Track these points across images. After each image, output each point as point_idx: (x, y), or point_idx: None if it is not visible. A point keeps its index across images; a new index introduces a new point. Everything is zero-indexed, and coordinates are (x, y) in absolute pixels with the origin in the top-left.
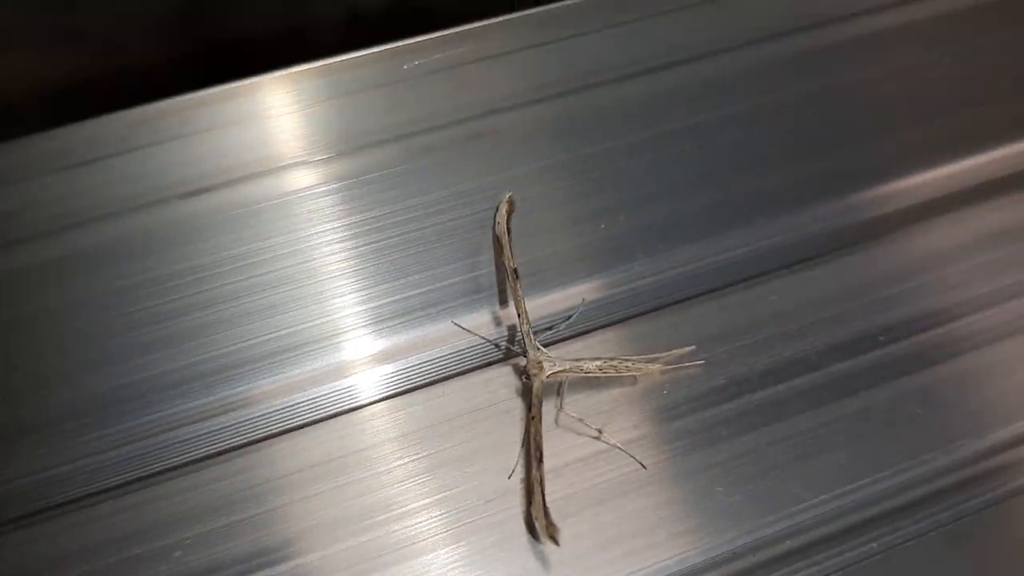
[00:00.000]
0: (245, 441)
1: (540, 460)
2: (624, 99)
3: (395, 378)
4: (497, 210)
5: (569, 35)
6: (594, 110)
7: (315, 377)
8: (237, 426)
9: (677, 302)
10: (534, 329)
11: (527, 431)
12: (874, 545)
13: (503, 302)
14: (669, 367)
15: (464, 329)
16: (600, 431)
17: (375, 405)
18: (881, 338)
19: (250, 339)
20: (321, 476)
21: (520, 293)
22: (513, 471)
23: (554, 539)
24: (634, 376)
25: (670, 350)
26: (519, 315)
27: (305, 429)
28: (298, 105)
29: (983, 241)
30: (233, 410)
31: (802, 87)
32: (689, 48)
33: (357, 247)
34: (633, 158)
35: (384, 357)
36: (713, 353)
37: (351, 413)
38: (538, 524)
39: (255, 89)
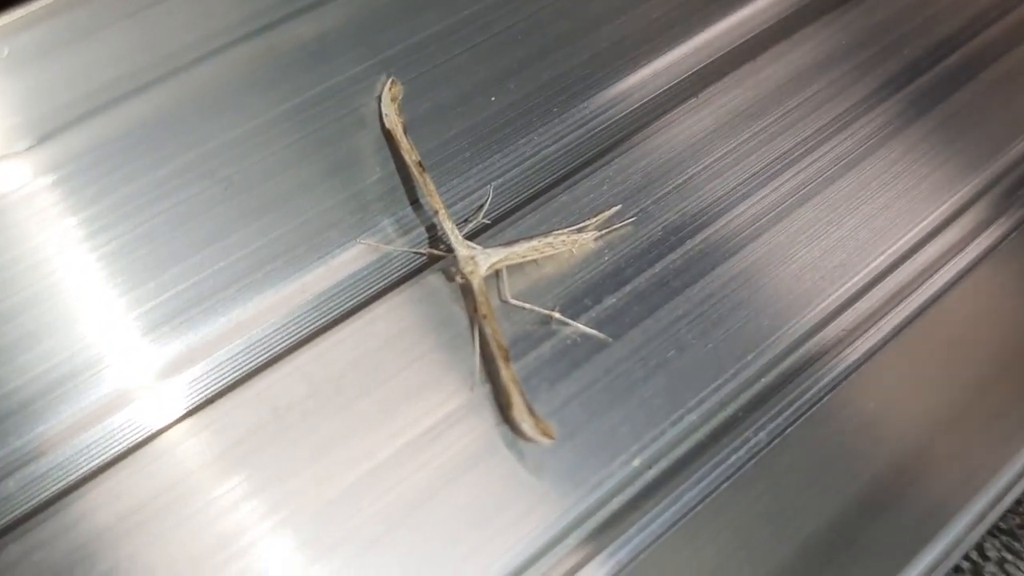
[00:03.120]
0: (44, 499)
1: (507, 359)
2: None
3: (273, 338)
4: (380, 102)
5: None
6: None
7: (111, 403)
8: (28, 487)
9: (588, 163)
10: None
11: (479, 334)
12: (850, 353)
13: (412, 201)
14: (602, 232)
15: (374, 245)
16: (552, 314)
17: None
18: (801, 150)
19: (10, 382)
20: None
21: (432, 187)
22: (475, 383)
23: (548, 434)
24: (570, 250)
25: (596, 215)
26: (437, 212)
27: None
28: None
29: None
30: (21, 467)
31: None
32: None
33: (136, 228)
34: (506, 19)
35: (226, 336)
36: (641, 207)
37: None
38: (526, 425)
39: None
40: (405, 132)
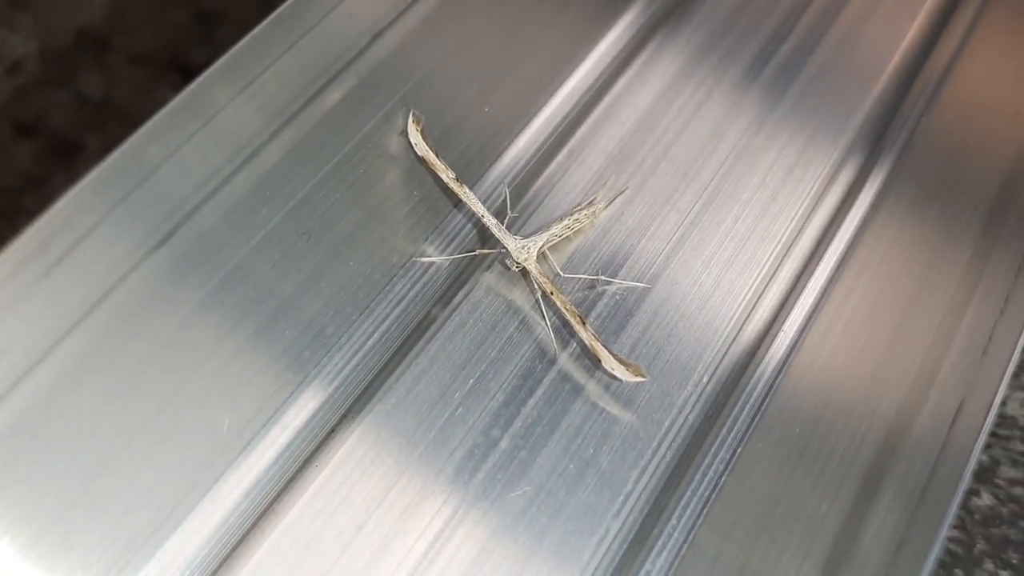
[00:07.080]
0: None
1: (583, 322)
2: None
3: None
4: (407, 134)
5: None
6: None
7: None
8: None
9: (575, 142)
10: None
11: (549, 309)
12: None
13: (444, 218)
14: (609, 200)
15: (431, 260)
16: (598, 277)
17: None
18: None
19: None
20: None
21: (472, 196)
22: (555, 351)
23: (640, 374)
24: (592, 221)
25: (598, 187)
26: (482, 216)
27: None
28: None
29: None
30: None
31: None
32: None
33: None
34: (484, 31)
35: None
36: (631, 171)
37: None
38: (619, 372)
39: None
40: (437, 155)
